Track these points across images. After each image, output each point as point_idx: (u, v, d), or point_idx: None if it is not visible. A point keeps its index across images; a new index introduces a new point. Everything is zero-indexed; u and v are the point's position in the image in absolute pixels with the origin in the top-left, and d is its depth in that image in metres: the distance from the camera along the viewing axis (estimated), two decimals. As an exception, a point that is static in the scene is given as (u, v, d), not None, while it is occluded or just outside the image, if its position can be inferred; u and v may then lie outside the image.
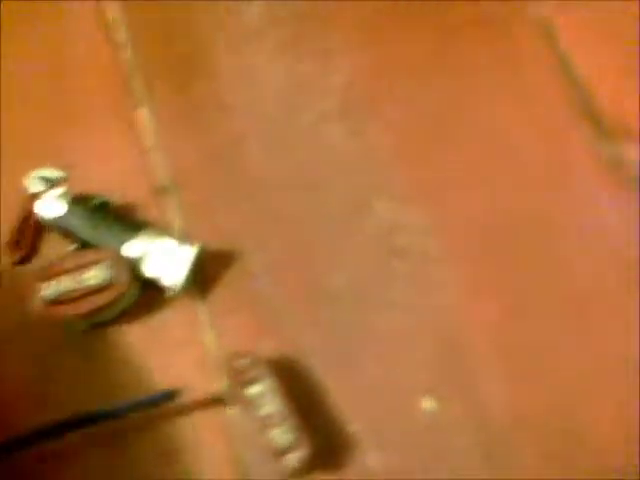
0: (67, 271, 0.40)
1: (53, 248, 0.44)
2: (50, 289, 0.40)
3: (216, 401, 0.39)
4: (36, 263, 0.43)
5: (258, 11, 0.49)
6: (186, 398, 0.39)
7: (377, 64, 0.47)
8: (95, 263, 0.40)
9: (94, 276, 0.40)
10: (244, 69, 0.48)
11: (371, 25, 0.48)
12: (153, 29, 0.49)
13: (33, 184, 0.44)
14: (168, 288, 0.41)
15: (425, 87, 0.46)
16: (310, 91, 0.47)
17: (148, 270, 0.41)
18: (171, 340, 0.41)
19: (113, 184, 0.45)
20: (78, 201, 0.43)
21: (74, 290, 0.40)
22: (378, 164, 0.45)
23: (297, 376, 0.40)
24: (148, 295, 0.42)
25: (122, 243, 0.41)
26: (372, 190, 0.44)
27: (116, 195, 0.44)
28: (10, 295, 0.42)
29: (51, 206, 0.43)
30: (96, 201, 0.43)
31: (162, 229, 0.43)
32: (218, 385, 0.39)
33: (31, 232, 0.44)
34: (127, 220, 0.43)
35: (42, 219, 0.43)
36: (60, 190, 0.44)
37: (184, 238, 0.42)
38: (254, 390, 0.38)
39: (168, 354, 0.41)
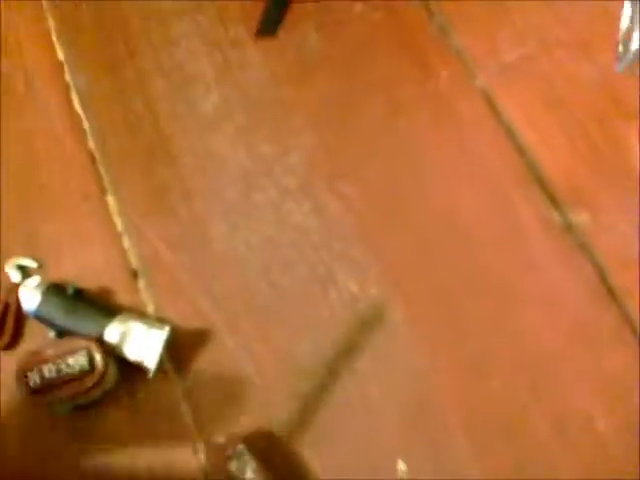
0: (48, 360, 0.42)
1: (34, 335, 0.46)
2: (34, 378, 0.42)
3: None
4: (20, 349, 0.46)
5: (214, 101, 0.52)
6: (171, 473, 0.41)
7: (333, 143, 0.51)
8: (74, 351, 0.42)
9: (74, 363, 0.42)
10: (205, 154, 0.51)
11: (326, 106, 0.52)
12: (116, 120, 0.52)
13: (13, 274, 0.47)
14: (145, 368, 0.44)
15: (379, 165, 0.50)
16: (270, 171, 0.50)
17: (126, 353, 0.44)
18: (152, 414, 0.44)
19: (87, 270, 0.48)
20: (53, 290, 0.45)
21: (56, 378, 0.42)
22: (340, 239, 0.48)
23: (274, 449, 0.43)
24: (128, 375, 0.44)
25: (99, 329, 0.44)
26: (335, 264, 0.47)
27: (91, 280, 0.47)
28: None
29: (28, 296, 0.45)
30: (70, 289, 0.45)
31: (136, 312, 0.46)
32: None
33: (13, 320, 0.46)
34: (102, 306, 0.45)
35: (24, 309, 0.46)
36: (35, 280, 0.46)
37: (158, 320, 0.45)
38: (234, 466, 0.40)
39: (150, 427, 0.44)
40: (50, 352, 0.43)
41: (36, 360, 0.42)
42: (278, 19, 0.55)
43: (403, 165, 0.50)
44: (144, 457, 0.43)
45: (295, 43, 0.55)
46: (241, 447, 0.41)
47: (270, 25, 0.55)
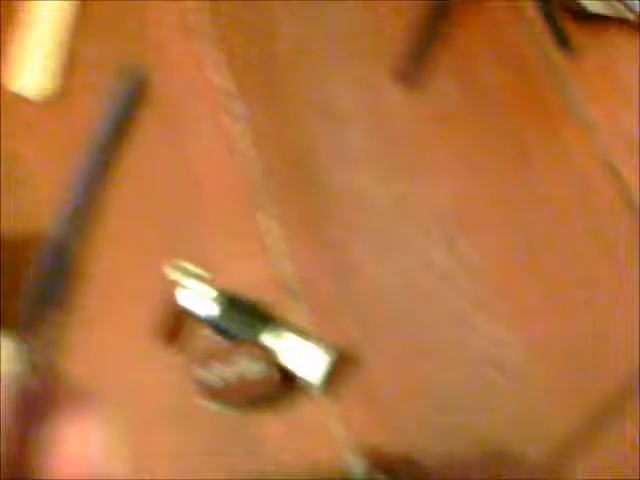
0: (224, 361, 0.46)
1: (196, 335, 0.49)
2: (208, 377, 0.45)
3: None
4: (185, 348, 0.49)
5: (360, 138, 0.57)
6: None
7: (469, 189, 0.55)
8: (246, 355, 0.46)
9: (250, 368, 0.46)
10: (353, 189, 0.55)
11: (461, 151, 0.56)
12: (274, 149, 0.56)
13: (174, 273, 0.50)
14: (308, 384, 0.48)
15: (512, 214, 0.54)
16: (414, 213, 0.55)
17: (293, 368, 0.47)
18: (307, 428, 0.48)
19: (245, 284, 0.51)
20: (224, 297, 0.49)
21: (232, 380, 0.46)
22: (478, 284, 0.52)
23: (414, 471, 0.46)
24: (288, 387, 0.48)
25: (265, 339, 0.48)
26: (473, 307, 0.52)
27: (250, 296, 0.51)
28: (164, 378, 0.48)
29: (197, 300, 0.49)
30: (239, 299, 0.49)
31: (300, 329, 0.49)
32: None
33: (179, 321, 0.49)
34: (268, 318, 0.49)
35: (186, 309, 0.49)
36: (204, 286, 0.49)
37: (319, 340, 0.49)
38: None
39: (303, 439, 0.47)
40: (224, 354, 0.46)
41: (210, 360, 0.46)
42: (419, 70, 0.60)
43: (537, 218, 0.55)
44: (297, 465, 0.47)
45: (434, 91, 0.59)
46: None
47: (412, 72, 0.60)
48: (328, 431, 0.48)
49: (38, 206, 0.54)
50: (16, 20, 0.60)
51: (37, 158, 0.56)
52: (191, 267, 0.51)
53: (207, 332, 0.49)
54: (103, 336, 0.49)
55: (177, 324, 0.49)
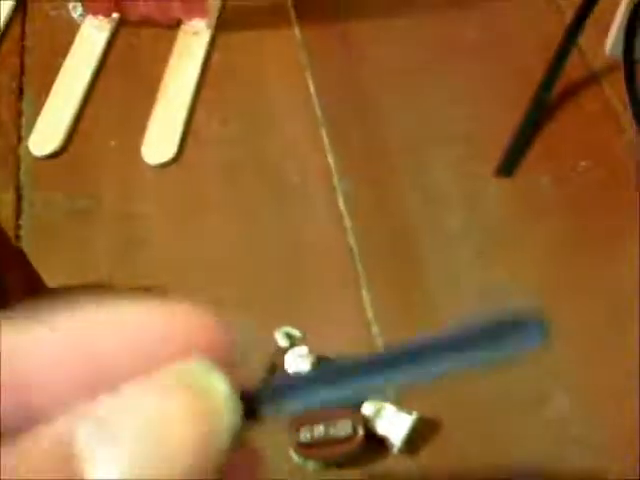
0: (318, 421, 0.50)
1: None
2: (306, 434, 0.50)
3: None
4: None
5: (458, 222, 0.61)
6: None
7: (557, 280, 0.58)
8: (340, 417, 0.50)
9: (340, 428, 0.50)
10: (445, 266, 0.60)
11: (552, 244, 0.60)
12: (374, 224, 0.61)
13: (281, 339, 0.55)
14: (390, 445, 0.51)
15: (599, 305, 0.57)
16: (500, 295, 0.58)
17: (378, 428, 0.51)
18: (387, 488, 0.51)
19: (340, 349, 0.56)
20: (320, 361, 0.53)
21: (323, 438, 0.50)
22: (558, 365, 0.55)
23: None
24: (371, 447, 0.52)
25: (357, 402, 0.52)
26: (551, 386, 0.55)
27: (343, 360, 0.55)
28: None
29: (297, 361, 0.53)
30: (334, 363, 0.53)
31: (385, 394, 0.53)
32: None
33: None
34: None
35: (287, 370, 0.54)
36: (304, 349, 0.54)
37: (401, 404, 0.52)
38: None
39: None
40: (318, 414, 0.50)
41: (307, 419, 0.50)
42: (516, 163, 0.65)
43: (618, 309, 0.58)
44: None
45: (528, 185, 0.64)
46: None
47: (509, 167, 0.64)
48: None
49: (152, 265, 0.60)
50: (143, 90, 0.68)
51: (154, 220, 0.63)
52: (296, 332, 0.56)
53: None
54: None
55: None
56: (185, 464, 0.14)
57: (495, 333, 0.17)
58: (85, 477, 0.13)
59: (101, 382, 0.14)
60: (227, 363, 0.17)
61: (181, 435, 0.14)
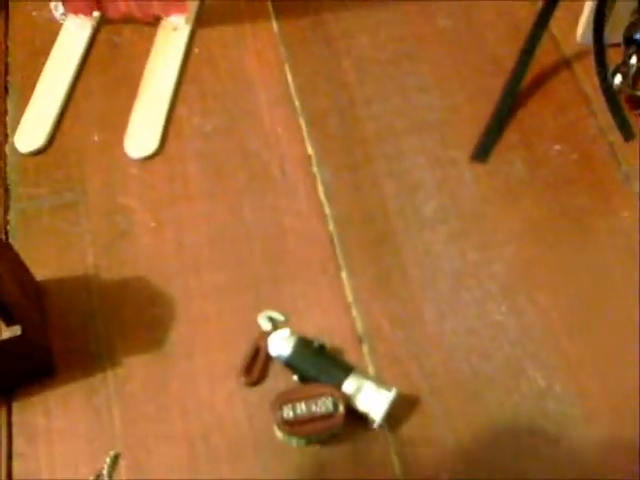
0: (300, 399, 0.52)
1: (277, 377, 0.56)
2: (287, 412, 0.51)
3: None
4: (264, 387, 0.55)
5: (433, 207, 0.63)
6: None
7: (531, 259, 0.60)
8: (322, 395, 0.52)
9: (321, 405, 0.52)
10: (422, 250, 0.61)
11: (526, 226, 0.62)
12: (352, 211, 0.63)
13: (264, 323, 0.57)
14: (371, 420, 0.53)
15: (570, 281, 0.59)
16: (476, 274, 0.60)
17: (359, 405, 0.53)
18: (368, 461, 0.53)
19: (320, 330, 0.58)
20: (302, 342, 0.55)
21: (305, 415, 0.51)
22: (532, 340, 0.57)
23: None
24: (352, 422, 0.53)
25: (337, 380, 0.53)
26: (526, 360, 0.56)
27: (323, 340, 0.57)
28: (246, 412, 0.54)
29: (280, 344, 0.55)
30: (315, 343, 0.55)
31: (365, 372, 0.55)
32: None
33: (261, 362, 0.56)
34: (339, 362, 0.55)
35: (270, 353, 0.55)
36: (286, 332, 0.56)
37: (381, 382, 0.54)
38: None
39: (365, 471, 0.52)
40: (300, 393, 0.52)
41: (289, 397, 0.52)
42: (489, 149, 0.66)
43: (591, 284, 0.60)
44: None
45: (503, 170, 0.65)
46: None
47: (483, 152, 0.66)
48: (386, 464, 0.53)
49: (137, 255, 0.62)
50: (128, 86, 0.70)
51: (138, 211, 0.64)
52: (278, 316, 0.57)
53: (289, 375, 0.55)
54: (199, 369, 0.56)
55: (262, 368, 0.56)
56: None
57: None
58: None
59: None
60: None
61: None
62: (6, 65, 0.72)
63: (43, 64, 0.71)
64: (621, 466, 0.52)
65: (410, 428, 0.54)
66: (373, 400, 0.53)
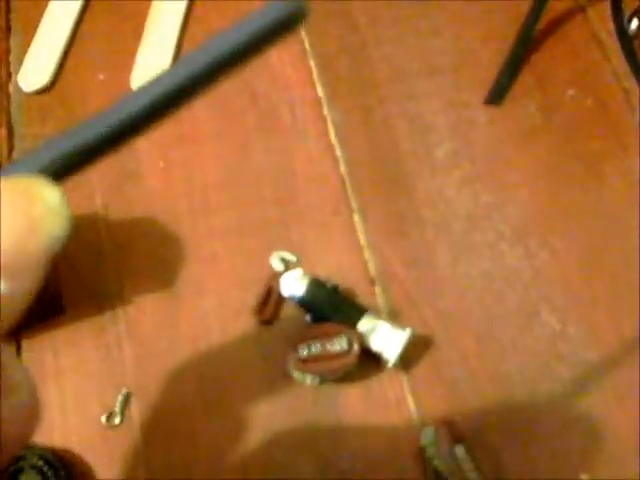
0: (315, 338, 0.51)
1: (288, 317, 0.55)
2: (304, 350, 0.51)
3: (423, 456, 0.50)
4: (276, 327, 0.55)
5: (446, 149, 0.62)
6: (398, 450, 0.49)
7: (544, 202, 0.60)
8: (336, 334, 0.51)
9: (336, 344, 0.51)
10: (435, 192, 0.60)
11: (540, 169, 0.61)
12: (364, 153, 0.62)
13: (276, 263, 0.56)
14: (385, 360, 0.52)
15: (583, 224, 0.59)
16: (489, 217, 0.59)
17: (373, 345, 0.52)
18: (382, 401, 0.52)
19: (333, 272, 0.57)
20: (315, 282, 0.54)
21: (320, 353, 0.51)
22: (545, 282, 0.57)
23: (479, 447, 0.51)
24: (366, 362, 0.53)
25: (352, 320, 0.53)
26: (540, 302, 0.56)
27: (336, 281, 0.56)
28: (259, 351, 0.54)
29: (294, 284, 0.54)
30: (329, 284, 0.55)
31: (378, 313, 0.54)
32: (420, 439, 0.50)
33: (274, 302, 0.55)
34: (353, 302, 0.54)
35: (283, 293, 0.55)
36: (299, 272, 0.55)
37: (395, 323, 0.54)
38: (458, 451, 0.49)
39: (378, 410, 0.52)
40: (315, 332, 0.52)
41: (304, 336, 0.51)
42: (504, 92, 0.65)
43: (604, 227, 0.59)
44: (372, 435, 0.51)
45: (517, 113, 0.64)
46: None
47: (497, 96, 0.65)
48: (400, 403, 0.52)
49: (145, 195, 0.60)
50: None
51: (146, 152, 0.63)
52: (291, 257, 0.56)
53: (302, 315, 0.54)
54: (210, 307, 0.55)
55: (275, 307, 0.55)
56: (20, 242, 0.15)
57: (259, 17, 0.17)
58: None
59: None
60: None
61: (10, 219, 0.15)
62: (7, 3, 0.70)
63: (46, 3, 0.69)
64: (634, 410, 0.52)
65: (424, 368, 0.54)
66: (387, 340, 0.52)
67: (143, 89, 0.17)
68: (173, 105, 0.18)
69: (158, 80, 0.17)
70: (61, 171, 0.17)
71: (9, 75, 0.66)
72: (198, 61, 0.17)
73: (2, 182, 0.16)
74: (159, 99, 0.17)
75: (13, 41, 0.68)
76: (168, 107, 0.17)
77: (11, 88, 0.66)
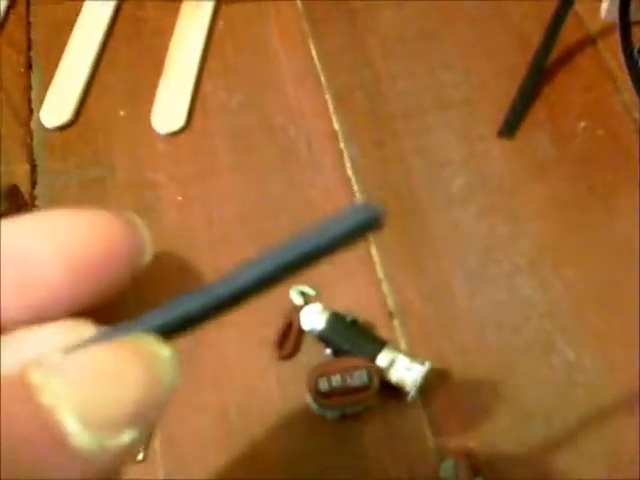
0: (335, 372, 0.52)
1: (309, 351, 0.56)
2: (324, 384, 0.52)
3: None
4: (296, 361, 0.55)
5: (460, 183, 0.63)
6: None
7: (559, 234, 0.61)
8: (357, 368, 0.52)
9: (356, 378, 0.52)
10: (451, 225, 0.61)
11: (554, 202, 0.62)
12: (379, 186, 0.63)
13: (295, 297, 0.57)
14: (404, 393, 0.53)
15: (598, 257, 0.60)
16: (505, 249, 0.60)
17: (392, 378, 0.53)
18: (401, 433, 0.53)
19: (351, 305, 0.58)
20: (335, 316, 0.55)
21: (341, 387, 0.52)
22: (561, 313, 0.57)
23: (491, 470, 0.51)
24: (385, 395, 0.54)
25: (372, 354, 0.54)
26: (556, 333, 0.57)
27: (355, 314, 0.57)
28: (279, 385, 0.54)
29: (313, 318, 0.55)
30: (348, 317, 0.56)
31: (397, 346, 0.55)
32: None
33: (294, 336, 0.56)
34: (372, 336, 0.55)
35: (303, 327, 0.56)
36: (318, 306, 0.56)
37: (414, 356, 0.54)
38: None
39: (398, 442, 0.53)
40: (335, 366, 0.52)
41: (325, 370, 0.52)
42: (517, 124, 0.66)
43: (618, 259, 0.60)
44: (393, 467, 0.52)
45: (530, 145, 0.66)
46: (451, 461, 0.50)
47: (510, 128, 0.66)
48: (419, 435, 0.53)
49: (164, 230, 0.62)
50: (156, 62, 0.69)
51: (165, 187, 0.64)
52: (310, 290, 0.57)
53: (321, 349, 0.55)
54: (231, 341, 0.56)
55: (295, 341, 0.56)
56: (134, 400, 0.17)
57: (334, 224, 0.19)
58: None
59: (31, 283, 0.17)
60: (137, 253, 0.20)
61: (133, 379, 0.17)
62: (29, 41, 0.72)
63: (66, 39, 0.71)
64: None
65: (442, 401, 0.55)
66: (407, 373, 0.53)
67: (250, 266, 0.19)
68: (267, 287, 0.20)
69: (262, 260, 0.19)
70: (168, 333, 0.19)
71: (31, 111, 0.68)
72: (285, 255, 0.19)
73: (126, 340, 0.18)
74: (264, 277, 0.20)
75: (34, 78, 0.70)
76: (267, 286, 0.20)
77: (33, 124, 0.67)
